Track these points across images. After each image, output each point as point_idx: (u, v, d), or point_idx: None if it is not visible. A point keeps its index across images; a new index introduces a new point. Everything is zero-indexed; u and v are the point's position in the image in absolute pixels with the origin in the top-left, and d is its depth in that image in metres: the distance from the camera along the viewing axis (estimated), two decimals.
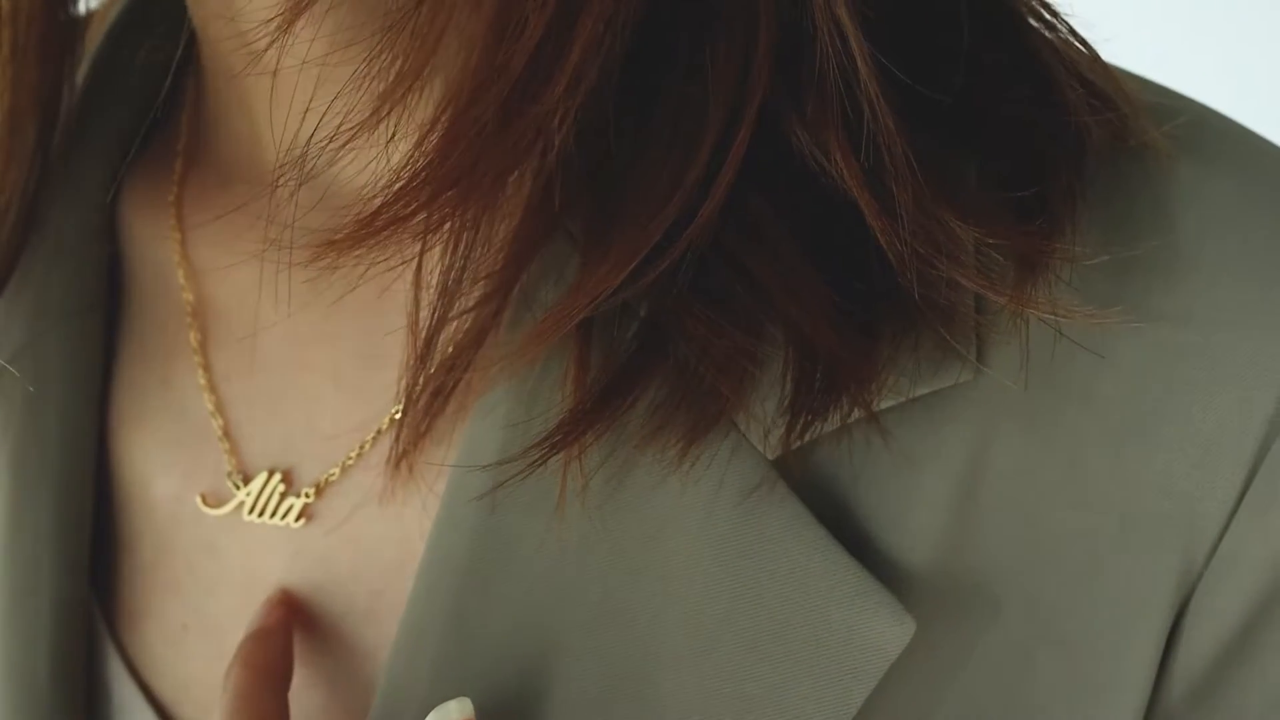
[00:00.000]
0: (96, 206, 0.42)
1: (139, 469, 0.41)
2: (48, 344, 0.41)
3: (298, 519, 0.39)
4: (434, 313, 0.35)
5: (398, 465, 0.37)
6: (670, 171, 0.32)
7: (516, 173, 0.33)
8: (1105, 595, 0.35)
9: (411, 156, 0.32)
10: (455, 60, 0.31)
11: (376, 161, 0.33)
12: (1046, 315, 0.33)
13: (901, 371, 0.34)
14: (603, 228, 0.33)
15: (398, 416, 0.38)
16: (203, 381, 0.41)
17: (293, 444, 0.40)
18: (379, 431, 0.38)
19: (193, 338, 0.41)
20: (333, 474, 0.39)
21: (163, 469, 0.41)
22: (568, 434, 0.33)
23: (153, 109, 0.43)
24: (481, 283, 0.35)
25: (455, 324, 0.35)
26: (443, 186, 0.32)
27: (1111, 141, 0.35)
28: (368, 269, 0.37)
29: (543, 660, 0.35)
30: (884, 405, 0.34)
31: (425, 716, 0.35)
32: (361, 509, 0.39)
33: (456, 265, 0.34)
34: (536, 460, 0.33)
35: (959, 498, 0.35)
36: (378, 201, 0.32)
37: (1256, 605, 0.36)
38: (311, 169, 0.35)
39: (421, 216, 0.32)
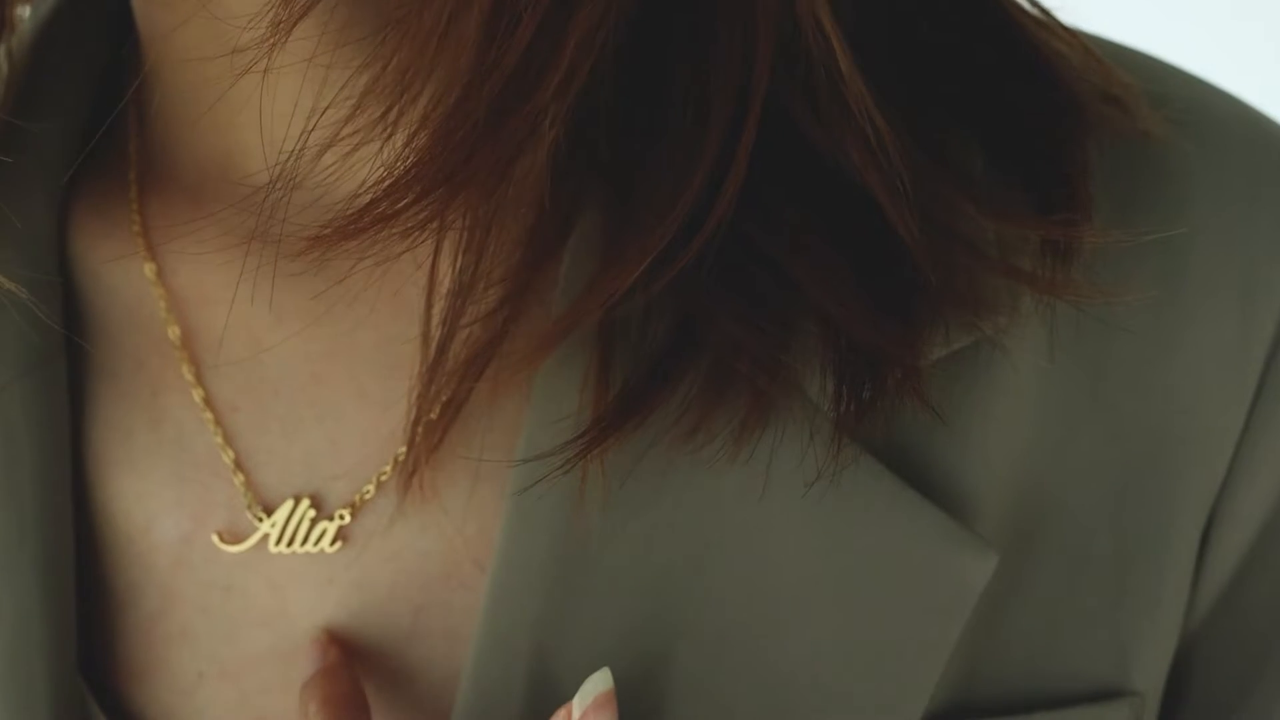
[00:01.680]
0: (41, 243, 0.39)
1: (134, 516, 0.39)
2: (9, 403, 0.38)
3: (333, 543, 0.37)
4: (446, 318, 0.34)
5: (410, 478, 0.36)
6: (679, 167, 0.33)
7: (523, 172, 0.33)
8: (1141, 514, 0.37)
9: (402, 153, 0.31)
10: (446, 57, 0.31)
11: (371, 163, 0.32)
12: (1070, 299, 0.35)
13: (935, 342, 0.35)
14: (617, 226, 0.33)
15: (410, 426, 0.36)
16: (207, 415, 0.38)
17: (316, 466, 0.38)
18: (412, 441, 0.37)
19: (186, 370, 0.39)
20: (368, 491, 0.37)
21: (163, 511, 0.38)
22: (591, 440, 0.33)
23: (90, 127, 0.40)
24: (496, 286, 0.34)
25: (469, 330, 0.35)
26: (433, 183, 0.31)
27: (1116, 130, 0.37)
28: (380, 277, 0.36)
29: (645, 646, 0.34)
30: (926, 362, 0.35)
31: (528, 710, 0.34)
32: (399, 524, 0.37)
33: (468, 268, 0.34)
34: (561, 465, 0.33)
35: (1006, 439, 0.36)
36: (367, 197, 0.31)
37: (1274, 506, 0.38)
38: (303, 177, 0.34)
39: (412, 212, 0.31)
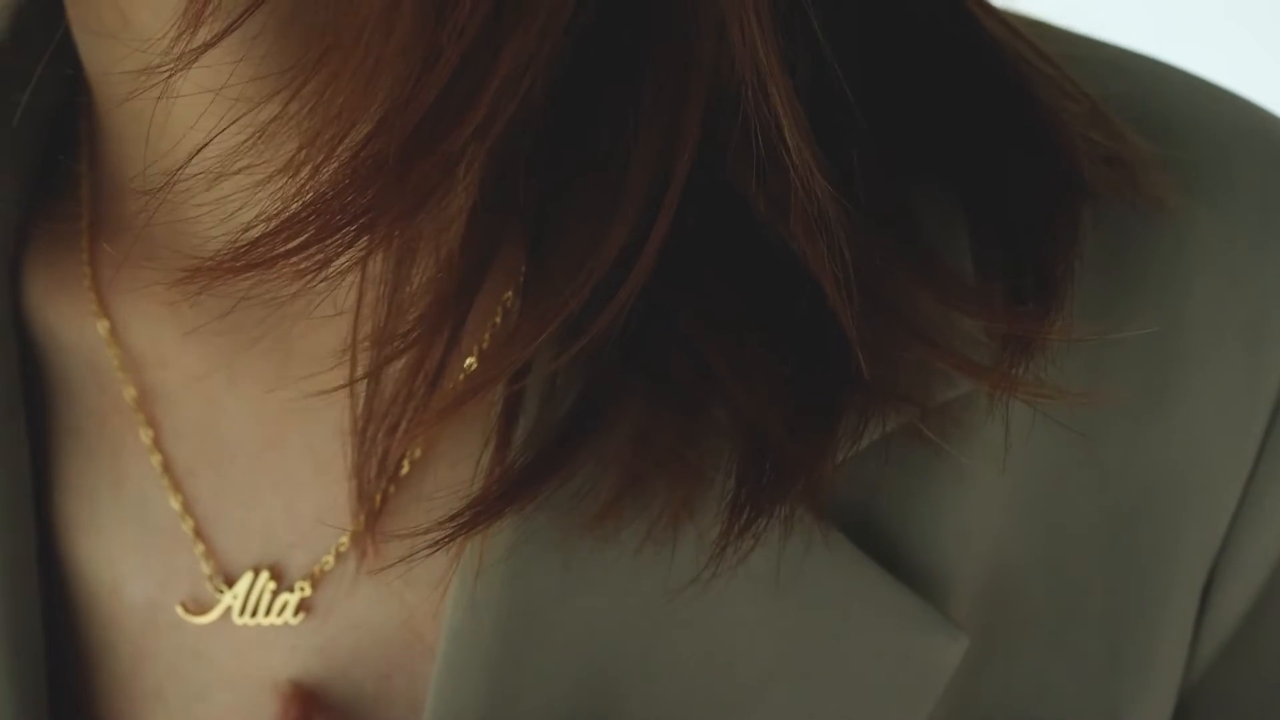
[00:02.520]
0: None
1: (104, 578, 0.38)
2: None
3: (295, 613, 0.36)
4: (368, 373, 0.33)
5: (363, 553, 0.36)
6: (594, 228, 0.30)
7: (436, 216, 0.31)
8: (1135, 570, 0.36)
9: (302, 186, 0.29)
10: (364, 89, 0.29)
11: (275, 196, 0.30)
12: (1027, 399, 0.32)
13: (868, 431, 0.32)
14: (529, 288, 0.31)
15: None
16: (165, 481, 0.38)
17: (275, 535, 0.37)
18: (373, 509, 0.36)
19: (143, 433, 0.38)
20: (326, 562, 0.37)
21: (131, 576, 0.38)
22: (477, 515, 0.32)
23: (42, 173, 0.39)
24: (412, 342, 0.32)
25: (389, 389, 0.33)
26: (331, 224, 0.29)
27: (1117, 196, 0.34)
28: (331, 339, 0.35)
29: (595, 716, 0.34)
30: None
31: None
32: (359, 592, 0.37)
33: (379, 321, 0.32)
34: (442, 540, 0.32)
35: (984, 502, 0.34)
36: (256, 232, 0.29)
37: (1278, 559, 0.36)
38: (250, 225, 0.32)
39: (305, 254, 0.29)
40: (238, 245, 0.30)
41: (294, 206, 0.29)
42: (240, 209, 0.30)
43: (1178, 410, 0.35)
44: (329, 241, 0.29)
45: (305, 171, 0.29)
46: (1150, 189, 0.34)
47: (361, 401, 0.34)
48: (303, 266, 0.30)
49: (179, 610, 0.37)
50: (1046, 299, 0.32)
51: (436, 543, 0.32)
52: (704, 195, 0.31)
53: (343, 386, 0.33)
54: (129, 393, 0.38)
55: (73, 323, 0.39)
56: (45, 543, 0.39)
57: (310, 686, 0.37)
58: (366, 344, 0.33)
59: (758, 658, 0.33)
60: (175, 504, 0.38)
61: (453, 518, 0.32)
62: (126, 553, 0.38)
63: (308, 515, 0.37)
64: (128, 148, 0.37)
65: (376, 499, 0.35)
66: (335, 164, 0.29)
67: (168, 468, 0.38)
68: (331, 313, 0.34)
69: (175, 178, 0.30)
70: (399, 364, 0.32)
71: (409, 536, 0.32)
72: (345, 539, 0.36)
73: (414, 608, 0.36)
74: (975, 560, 0.34)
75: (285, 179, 0.29)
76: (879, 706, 0.34)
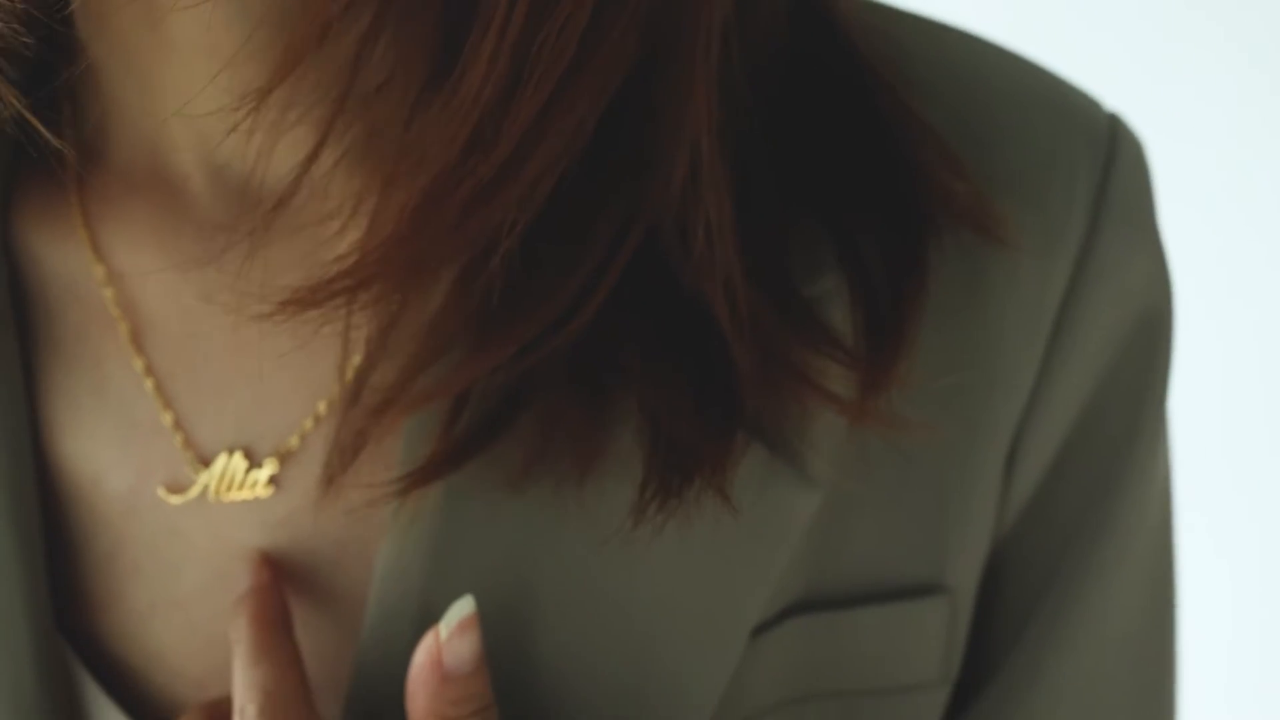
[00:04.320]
0: None
1: (86, 470, 0.44)
2: None
3: (266, 487, 0.43)
4: (358, 377, 0.41)
5: (328, 485, 0.42)
6: (554, 278, 0.38)
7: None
8: (957, 436, 0.44)
9: (365, 238, 0.37)
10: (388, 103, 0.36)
11: (285, 153, 0.38)
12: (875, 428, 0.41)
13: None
14: (491, 324, 0.39)
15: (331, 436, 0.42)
16: (148, 383, 0.44)
17: (245, 424, 0.43)
18: (329, 401, 0.43)
19: (127, 340, 0.44)
20: (291, 443, 0.43)
21: (112, 467, 0.44)
22: (426, 474, 0.40)
23: (28, 111, 0.44)
24: (403, 355, 0.40)
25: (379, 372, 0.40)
26: (394, 267, 0.37)
27: (969, 234, 0.42)
28: (296, 265, 0.41)
29: (512, 586, 0.41)
30: None
31: (419, 630, 0.40)
32: (316, 475, 0.43)
33: (378, 342, 0.40)
34: (400, 491, 0.40)
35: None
36: (334, 269, 0.37)
37: (1066, 439, 0.46)
38: (225, 164, 0.39)
39: (372, 290, 0.37)
40: (315, 283, 0.37)
41: (361, 252, 0.37)
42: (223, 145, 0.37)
43: (988, 308, 0.44)
44: (389, 282, 0.37)
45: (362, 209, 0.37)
46: (988, 224, 0.42)
47: (350, 390, 0.41)
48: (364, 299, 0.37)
49: (160, 492, 0.44)
50: (895, 347, 0.40)
51: (394, 494, 0.40)
52: (639, 258, 0.39)
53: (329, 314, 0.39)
54: (112, 308, 0.44)
55: (59, 249, 0.45)
56: (33, 444, 0.44)
57: (276, 557, 0.44)
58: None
59: (654, 570, 0.41)
60: (156, 401, 0.44)
61: (406, 475, 0.40)
62: (108, 447, 0.44)
63: (274, 406, 0.43)
64: (112, 94, 0.43)
65: (349, 456, 0.42)
66: (399, 218, 0.36)
67: (149, 370, 0.44)
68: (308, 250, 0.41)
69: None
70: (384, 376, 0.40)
71: (371, 487, 0.40)
72: (309, 423, 0.43)
73: (366, 487, 0.43)
74: (830, 434, 0.43)
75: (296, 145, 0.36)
76: (744, 549, 0.41)
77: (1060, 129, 0.44)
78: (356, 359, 0.41)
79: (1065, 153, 0.44)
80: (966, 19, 0.48)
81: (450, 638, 0.39)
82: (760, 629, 0.43)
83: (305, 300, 0.37)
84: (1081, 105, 0.45)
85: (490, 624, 0.41)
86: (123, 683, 0.45)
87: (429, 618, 0.41)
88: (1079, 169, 0.44)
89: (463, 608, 0.39)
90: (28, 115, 0.39)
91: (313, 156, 0.37)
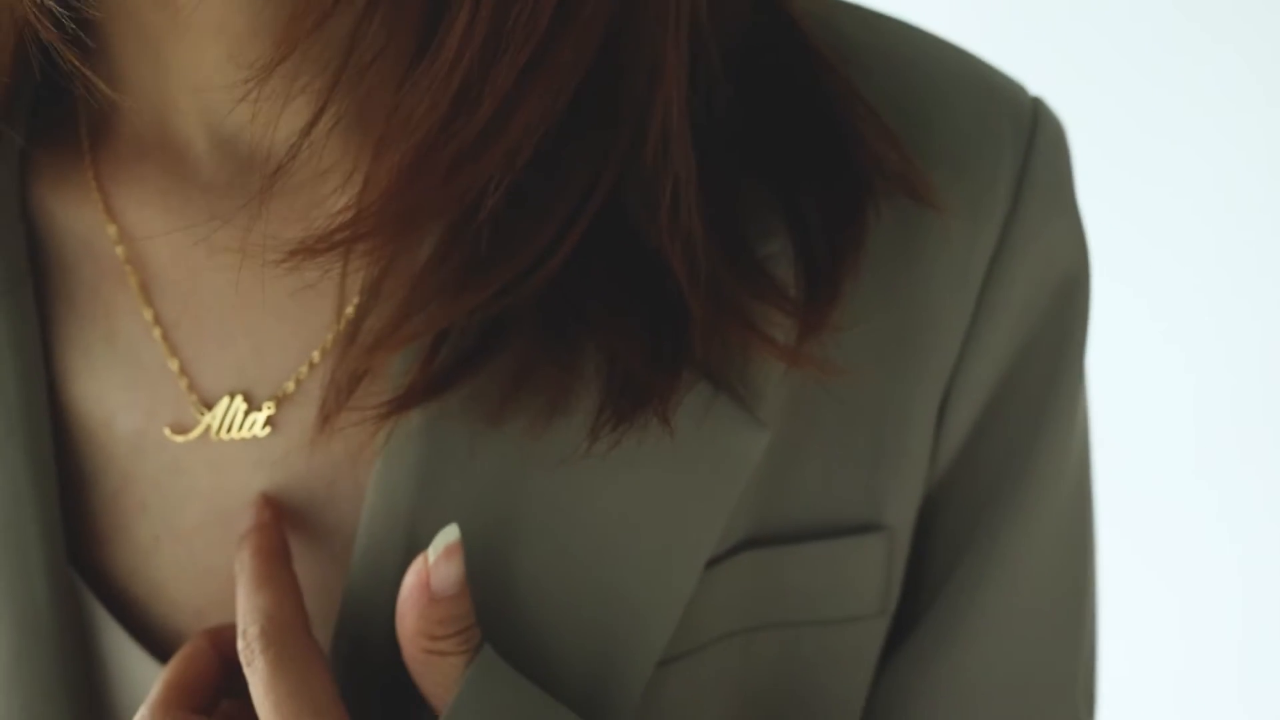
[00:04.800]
0: (5, 189, 0.48)
1: (97, 413, 0.48)
2: None
3: (263, 428, 0.47)
4: (354, 320, 0.45)
5: (324, 423, 0.46)
6: (526, 231, 0.43)
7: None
8: (894, 386, 0.49)
9: (362, 195, 0.41)
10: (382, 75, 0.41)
11: (285, 120, 0.42)
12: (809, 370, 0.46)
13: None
14: (471, 269, 0.43)
15: (326, 378, 0.46)
16: (155, 332, 0.48)
17: (245, 370, 0.47)
18: (323, 349, 0.47)
19: (137, 293, 0.48)
20: (288, 388, 0.47)
21: (122, 410, 0.48)
22: (408, 399, 0.44)
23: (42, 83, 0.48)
24: (395, 300, 0.44)
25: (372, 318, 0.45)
26: (388, 220, 0.41)
27: (901, 200, 0.47)
28: (293, 225, 0.46)
29: (494, 514, 0.45)
30: None
31: (406, 559, 0.44)
32: (311, 417, 0.47)
33: (373, 289, 0.44)
34: (385, 414, 0.44)
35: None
36: (335, 222, 0.41)
37: (993, 391, 0.50)
38: (227, 130, 0.43)
39: (369, 242, 0.42)
40: (318, 233, 0.41)
41: (356, 207, 0.41)
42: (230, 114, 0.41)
43: (921, 268, 0.48)
44: (382, 234, 0.41)
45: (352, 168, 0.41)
46: (920, 190, 0.47)
47: (344, 333, 0.45)
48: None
49: (166, 432, 0.47)
50: (830, 295, 0.45)
51: (380, 417, 0.44)
52: (605, 216, 0.43)
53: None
54: (123, 264, 0.48)
55: (74, 211, 0.49)
56: (49, 388, 0.48)
57: (273, 494, 0.48)
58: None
59: (618, 502, 0.45)
60: (163, 348, 0.48)
61: (391, 400, 0.44)
62: (118, 391, 0.48)
63: (273, 354, 0.47)
64: (122, 66, 0.46)
65: (345, 392, 0.46)
66: (392, 175, 0.40)
67: (157, 320, 0.48)
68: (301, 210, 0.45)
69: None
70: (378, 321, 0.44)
71: (360, 410, 0.44)
72: (304, 369, 0.47)
73: (357, 430, 0.47)
74: (776, 381, 0.47)
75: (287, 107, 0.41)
76: (699, 485, 0.46)
77: (987, 109, 0.49)
78: (350, 309, 0.45)
79: (992, 130, 0.49)
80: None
81: (437, 562, 0.43)
82: (714, 562, 0.48)
83: (309, 250, 0.41)
84: (1007, 88, 0.50)
85: (471, 553, 0.45)
86: (128, 613, 0.49)
87: (415, 547, 0.45)
88: (1004, 145, 0.48)
89: (448, 534, 0.43)
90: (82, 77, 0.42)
91: (312, 124, 0.41)
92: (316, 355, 0.47)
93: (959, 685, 0.52)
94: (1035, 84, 0.52)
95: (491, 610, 0.45)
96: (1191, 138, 1.30)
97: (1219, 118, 1.30)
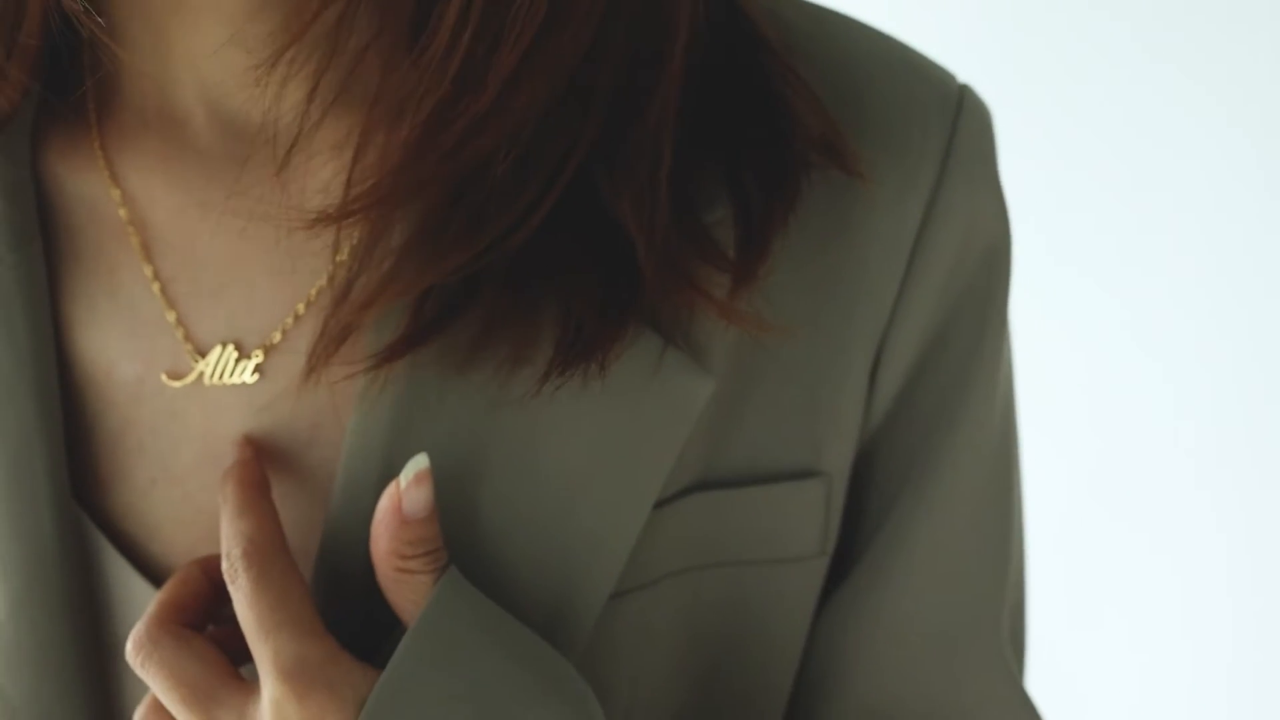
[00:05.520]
0: (18, 154, 0.53)
1: (99, 362, 0.52)
2: (4, 270, 0.52)
3: (253, 374, 0.51)
4: (348, 278, 0.49)
5: (311, 371, 0.50)
6: (505, 207, 0.47)
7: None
8: (830, 343, 0.53)
9: (379, 166, 0.46)
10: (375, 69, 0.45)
11: (280, 98, 0.46)
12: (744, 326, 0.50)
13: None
14: (456, 233, 0.48)
15: (317, 332, 0.50)
16: (155, 286, 0.52)
17: (237, 321, 0.52)
18: (307, 301, 0.51)
19: (138, 251, 0.52)
20: (275, 337, 0.52)
21: (123, 358, 0.52)
22: (395, 350, 0.48)
23: (50, 56, 0.52)
24: (387, 261, 0.48)
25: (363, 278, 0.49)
26: (393, 192, 0.46)
27: (837, 174, 0.51)
28: (281, 189, 0.50)
29: (459, 455, 0.50)
30: None
31: (381, 490, 0.49)
32: (295, 365, 0.51)
33: (365, 252, 0.48)
34: (377, 364, 0.48)
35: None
36: (353, 191, 0.46)
37: (922, 349, 0.55)
38: (218, 106, 0.48)
39: (376, 212, 0.46)
40: (332, 207, 0.46)
41: (368, 180, 0.46)
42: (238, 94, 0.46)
43: (853, 236, 0.53)
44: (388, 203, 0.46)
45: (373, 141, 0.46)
46: (850, 163, 0.51)
47: (340, 290, 0.49)
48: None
49: (163, 378, 0.52)
50: (760, 250, 0.49)
51: (370, 368, 0.48)
52: (574, 184, 0.48)
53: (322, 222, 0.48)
54: (126, 225, 0.53)
55: (81, 176, 0.53)
56: (55, 339, 0.53)
57: (260, 435, 0.52)
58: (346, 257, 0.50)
59: (563, 402, 0.50)
60: (161, 302, 0.52)
61: (380, 352, 0.48)
62: (119, 341, 0.53)
63: (262, 306, 0.52)
64: (127, 38, 0.51)
65: (333, 346, 0.50)
66: (403, 150, 0.45)
67: (156, 276, 0.52)
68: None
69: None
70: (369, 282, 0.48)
71: (349, 364, 0.49)
72: (289, 321, 0.52)
73: (333, 375, 0.51)
74: (719, 335, 0.51)
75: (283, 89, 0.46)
76: (648, 430, 0.50)
77: (916, 92, 0.54)
78: (341, 266, 0.50)
79: (919, 111, 0.53)
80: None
81: (408, 487, 0.47)
82: (664, 503, 0.52)
83: (330, 217, 0.46)
84: (936, 74, 0.55)
85: (439, 490, 0.49)
86: (127, 550, 0.53)
87: (389, 483, 0.49)
88: (931, 125, 0.53)
89: (419, 462, 0.48)
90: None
91: (308, 100, 0.46)
92: (301, 308, 0.51)
93: (891, 620, 0.56)
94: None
95: (458, 542, 0.50)
96: (1189, 137, 1.32)
97: (1215, 117, 1.32)
